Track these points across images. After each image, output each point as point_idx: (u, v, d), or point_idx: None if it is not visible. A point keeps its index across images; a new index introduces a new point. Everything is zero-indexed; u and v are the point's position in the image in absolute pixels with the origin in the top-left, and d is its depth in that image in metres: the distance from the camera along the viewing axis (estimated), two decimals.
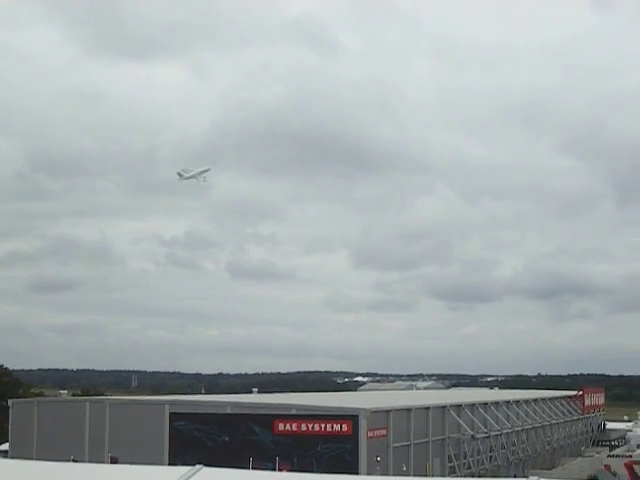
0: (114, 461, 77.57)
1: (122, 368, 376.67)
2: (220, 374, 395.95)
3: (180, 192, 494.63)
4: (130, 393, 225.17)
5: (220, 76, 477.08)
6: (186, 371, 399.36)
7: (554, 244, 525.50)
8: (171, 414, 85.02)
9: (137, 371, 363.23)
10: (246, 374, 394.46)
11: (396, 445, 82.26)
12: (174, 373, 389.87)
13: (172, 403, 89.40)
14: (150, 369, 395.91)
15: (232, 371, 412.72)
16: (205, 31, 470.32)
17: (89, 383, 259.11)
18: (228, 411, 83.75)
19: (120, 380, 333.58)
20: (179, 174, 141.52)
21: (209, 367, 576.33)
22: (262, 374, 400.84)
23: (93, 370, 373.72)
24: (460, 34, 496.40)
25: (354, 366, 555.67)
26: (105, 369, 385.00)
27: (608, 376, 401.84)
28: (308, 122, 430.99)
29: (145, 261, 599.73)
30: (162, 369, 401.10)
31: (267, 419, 79.62)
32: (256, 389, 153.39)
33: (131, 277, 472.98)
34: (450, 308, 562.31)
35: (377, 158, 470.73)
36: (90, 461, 79.78)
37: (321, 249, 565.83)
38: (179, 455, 77.63)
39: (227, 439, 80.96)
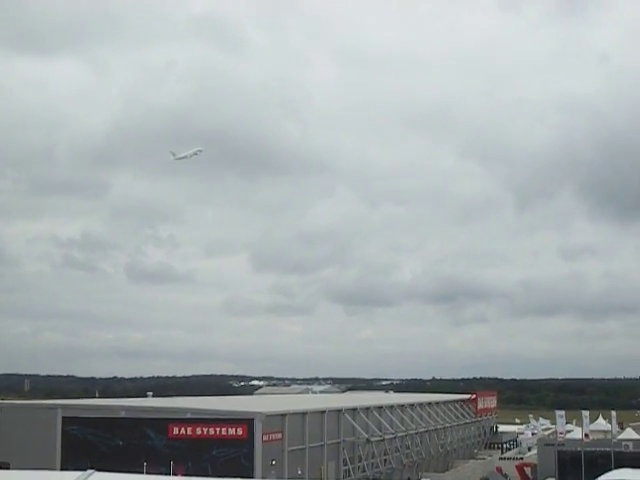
0: (5, 466, 76.07)
1: (14, 372, 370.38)
2: (115, 378, 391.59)
3: (77, 192, 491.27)
4: (22, 397, 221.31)
5: (121, 74, 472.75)
6: (80, 375, 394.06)
7: (453, 248, 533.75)
8: (64, 418, 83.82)
9: (30, 375, 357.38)
10: (141, 378, 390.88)
11: (291, 449, 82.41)
12: (68, 377, 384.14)
13: (65, 407, 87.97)
14: (43, 373, 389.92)
15: (127, 375, 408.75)
16: (106, 27, 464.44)
17: None
18: (122, 415, 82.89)
19: (12, 384, 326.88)
20: (172, 153, 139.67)
21: (104, 371, 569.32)
22: (158, 378, 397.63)
23: None
24: (365, 37, 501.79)
25: (251, 370, 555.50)
26: None
27: (501, 380, 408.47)
28: (212, 122, 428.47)
29: (40, 262, 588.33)
30: (56, 373, 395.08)
31: (161, 423, 79.08)
32: (151, 393, 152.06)
33: (25, 278, 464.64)
34: (348, 312, 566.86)
35: (281, 160, 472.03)
36: None
37: (221, 252, 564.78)
38: (72, 460, 76.59)
39: (121, 443, 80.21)
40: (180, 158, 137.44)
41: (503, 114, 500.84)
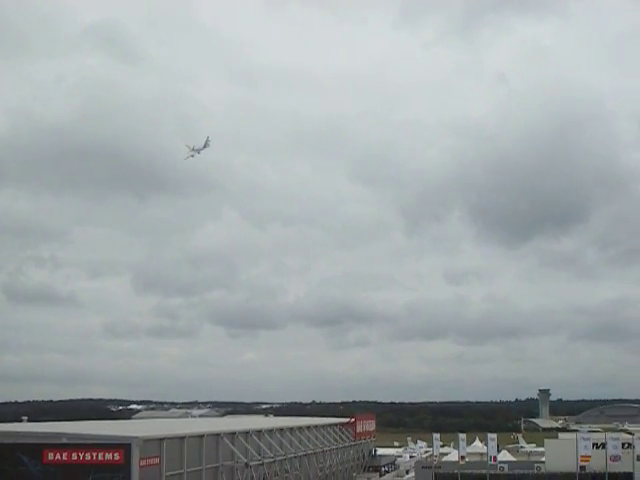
0: None
1: None
2: None
3: None
4: None
5: (6, 87, 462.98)
6: None
7: (340, 271, 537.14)
8: None
9: None
10: (16, 402, 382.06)
11: (169, 474, 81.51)
12: None
13: None
14: None
15: (1, 399, 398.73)
16: None
17: None
18: None
19: None
20: (188, 146, 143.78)
21: None
22: (34, 402, 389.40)
23: None
24: (258, 55, 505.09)
25: (130, 394, 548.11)
26: None
27: (380, 403, 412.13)
28: (102, 138, 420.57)
29: None
30: None
31: (36, 448, 77.34)
32: (26, 418, 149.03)
33: None
34: (232, 335, 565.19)
35: (171, 178, 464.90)
36: None
37: (104, 273, 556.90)
38: None
39: None
40: (198, 150, 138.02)
41: (394, 136, 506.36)
